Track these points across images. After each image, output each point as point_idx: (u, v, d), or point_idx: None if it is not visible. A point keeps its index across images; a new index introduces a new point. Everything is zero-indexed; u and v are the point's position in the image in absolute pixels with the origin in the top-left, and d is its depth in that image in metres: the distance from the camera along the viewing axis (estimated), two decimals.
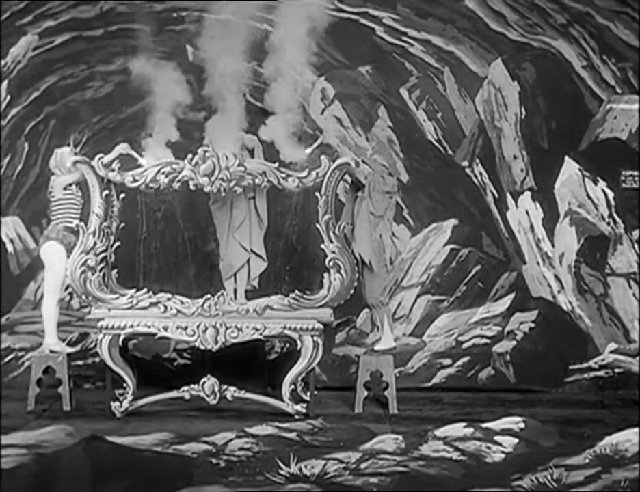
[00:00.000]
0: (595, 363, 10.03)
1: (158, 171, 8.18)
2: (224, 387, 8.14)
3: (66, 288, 8.77)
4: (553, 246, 10.15)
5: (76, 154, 8.54)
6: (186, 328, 8.12)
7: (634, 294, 10.08)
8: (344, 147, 10.06)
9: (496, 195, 10.22)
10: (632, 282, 10.09)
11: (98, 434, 6.92)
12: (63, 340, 9.05)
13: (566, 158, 10.17)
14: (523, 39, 10.20)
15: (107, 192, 8.21)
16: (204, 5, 9.32)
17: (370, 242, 8.64)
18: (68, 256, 8.44)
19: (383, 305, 8.84)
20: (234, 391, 8.15)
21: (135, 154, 8.46)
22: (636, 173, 10.07)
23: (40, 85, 10.20)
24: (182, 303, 8.14)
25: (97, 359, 9.10)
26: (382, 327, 8.79)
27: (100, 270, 8.16)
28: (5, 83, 10.17)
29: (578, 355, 10.07)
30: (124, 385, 8.22)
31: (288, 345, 9.55)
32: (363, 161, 8.61)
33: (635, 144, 10.15)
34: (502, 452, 6.95)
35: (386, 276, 9.22)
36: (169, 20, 10.04)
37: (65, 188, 8.56)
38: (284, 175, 8.16)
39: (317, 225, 8.15)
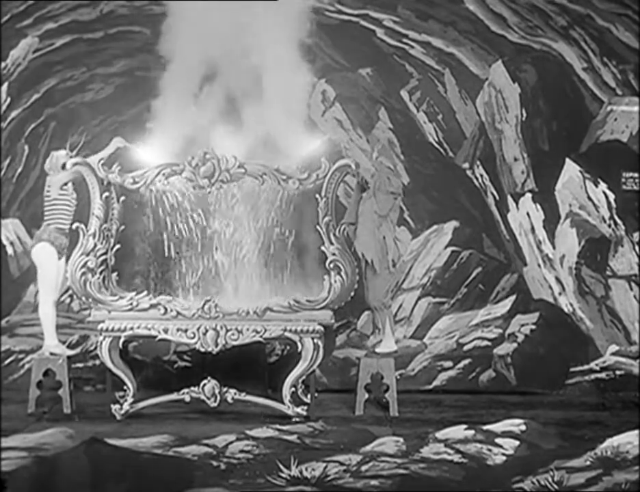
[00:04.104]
0: (596, 365, 10.02)
1: (158, 173, 8.18)
2: (224, 389, 8.13)
3: (66, 290, 8.79)
4: (554, 248, 10.15)
5: (72, 157, 8.54)
6: (186, 330, 8.12)
7: (635, 296, 10.08)
8: (347, 149, 10.08)
9: (497, 197, 10.22)
10: (632, 284, 10.09)
11: (98, 437, 6.89)
12: (64, 343, 9.03)
13: (567, 159, 10.17)
14: (524, 41, 10.21)
15: (107, 194, 8.20)
16: None
17: (373, 241, 8.66)
18: (59, 258, 8.49)
19: (385, 308, 8.84)
20: (235, 393, 8.14)
21: (132, 146, 8.48)
22: (636, 175, 10.07)
23: (40, 87, 10.20)
24: (182, 305, 8.13)
25: (97, 362, 9.13)
26: (384, 330, 8.78)
27: (101, 273, 8.15)
28: (5, 86, 10.17)
29: (579, 357, 10.07)
30: (125, 387, 8.22)
31: (288, 347, 9.54)
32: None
33: (636, 146, 10.15)
34: (503, 454, 6.93)
35: (389, 278, 9.21)
36: None
37: (61, 188, 8.57)
38: (284, 177, 8.16)
39: (318, 227, 8.15)
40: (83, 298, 8.24)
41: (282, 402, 8.14)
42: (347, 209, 8.78)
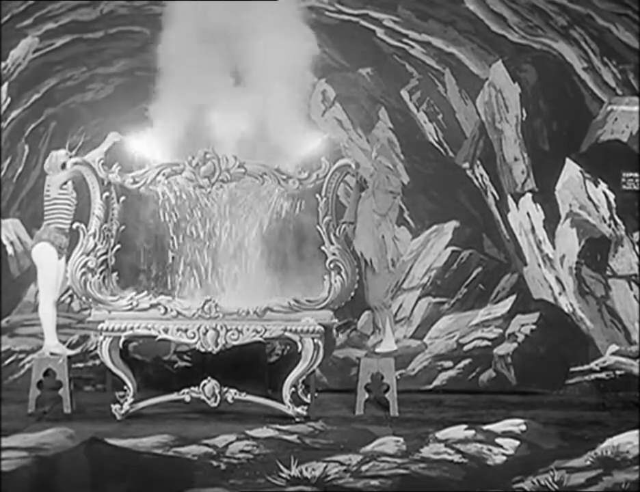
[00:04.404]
0: (596, 365, 10.02)
1: (158, 173, 8.19)
2: (225, 389, 8.13)
3: (67, 290, 8.79)
4: (554, 248, 10.15)
5: (71, 157, 8.54)
6: (186, 330, 8.11)
7: (635, 296, 10.08)
8: (346, 148, 10.08)
9: (497, 197, 10.22)
10: (633, 284, 10.08)
11: (98, 437, 6.89)
12: (64, 343, 9.03)
13: (567, 159, 10.17)
14: (524, 41, 10.21)
15: (107, 194, 8.20)
16: None
17: (372, 240, 8.67)
18: (59, 258, 8.50)
19: (385, 308, 8.84)
20: (235, 393, 8.13)
21: (128, 140, 8.49)
22: (636, 175, 10.07)
23: (40, 87, 10.20)
24: (182, 305, 8.13)
25: (97, 362, 9.13)
26: (384, 329, 8.78)
27: (101, 273, 8.15)
28: (5, 86, 10.17)
29: (579, 357, 10.06)
30: (125, 387, 8.21)
31: (288, 347, 9.54)
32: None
33: (636, 146, 10.15)
34: (504, 454, 6.93)
35: (389, 278, 9.20)
36: None
37: (61, 187, 8.57)
38: (284, 177, 8.16)
39: (318, 227, 8.14)
40: (83, 298, 8.24)
41: (282, 402, 8.14)
42: (347, 209, 8.79)
